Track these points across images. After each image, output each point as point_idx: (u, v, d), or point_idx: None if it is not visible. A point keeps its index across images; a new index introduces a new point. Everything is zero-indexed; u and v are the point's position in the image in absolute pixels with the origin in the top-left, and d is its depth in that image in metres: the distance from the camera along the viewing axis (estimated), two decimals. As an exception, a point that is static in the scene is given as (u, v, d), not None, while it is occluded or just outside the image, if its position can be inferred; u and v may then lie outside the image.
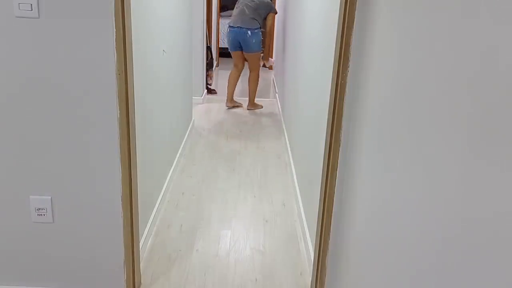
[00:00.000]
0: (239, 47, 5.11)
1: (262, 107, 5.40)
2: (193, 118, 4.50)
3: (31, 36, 1.62)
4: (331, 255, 1.83)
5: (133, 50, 1.76)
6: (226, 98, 5.39)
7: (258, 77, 5.24)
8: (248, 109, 5.29)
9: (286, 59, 4.52)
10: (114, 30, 1.61)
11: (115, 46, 1.63)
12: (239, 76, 5.31)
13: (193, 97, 4.75)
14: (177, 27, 3.25)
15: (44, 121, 1.72)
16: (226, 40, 5.47)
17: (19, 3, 1.58)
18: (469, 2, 0.82)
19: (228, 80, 5.29)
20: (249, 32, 4.98)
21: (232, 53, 5.24)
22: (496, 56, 0.72)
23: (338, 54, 1.62)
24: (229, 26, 5.12)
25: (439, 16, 0.93)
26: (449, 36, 0.88)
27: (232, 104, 5.34)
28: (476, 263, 0.75)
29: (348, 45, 1.57)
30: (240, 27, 4.99)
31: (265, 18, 5.08)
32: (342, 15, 1.57)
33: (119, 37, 1.62)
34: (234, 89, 5.35)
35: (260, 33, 5.08)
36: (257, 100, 5.66)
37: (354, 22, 1.55)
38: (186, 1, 3.71)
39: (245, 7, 5.03)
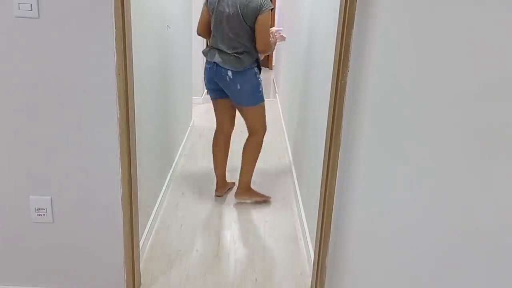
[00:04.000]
0: (223, 93, 2.78)
1: (267, 198, 3.01)
2: (193, 118, 4.49)
3: (31, 36, 1.62)
4: (331, 255, 1.83)
5: (133, 50, 1.76)
6: (215, 184, 3.08)
7: (261, 145, 2.97)
8: (238, 200, 2.97)
9: (286, 59, 4.52)
10: (114, 30, 1.61)
11: (115, 46, 1.63)
12: (229, 144, 3.04)
13: (193, 97, 4.74)
14: (177, 26, 3.25)
15: (44, 121, 1.72)
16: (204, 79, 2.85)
17: (19, 3, 1.58)
18: (469, 2, 0.82)
19: (213, 154, 3.02)
20: (230, 74, 2.65)
21: (213, 103, 2.93)
22: (496, 56, 0.72)
23: (338, 54, 1.62)
24: (205, 57, 2.81)
25: (438, 16, 0.93)
26: (449, 35, 0.88)
27: (227, 187, 3.11)
28: (476, 263, 0.75)
29: (348, 45, 1.57)
30: (217, 65, 2.66)
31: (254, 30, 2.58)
32: (342, 15, 1.57)
33: (119, 37, 1.62)
34: (225, 166, 3.06)
35: (254, 70, 2.70)
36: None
37: (354, 22, 1.55)
38: (186, 1, 3.71)
39: (226, 23, 2.58)
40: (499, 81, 0.70)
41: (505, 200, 0.66)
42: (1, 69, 1.66)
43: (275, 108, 5.46)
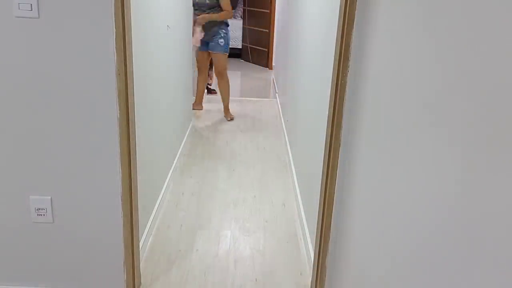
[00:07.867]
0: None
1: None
2: (193, 118, 4.50)
3: (31, 36, 1.62)
4: (331, 255, 1.83)
5: (133, 50, 1.76)
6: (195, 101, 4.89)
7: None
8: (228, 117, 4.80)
9: (286, 59, 4.52)
10: (114, 30, 1.61)
11: (115, 46, 1.63)
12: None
13: (193, 97, 4.74)
14: (177, 27, 3.25)
15: (44, 121, 1.72)
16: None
17: (19, 3, 1.58)
18: (470, 2, 0.82)
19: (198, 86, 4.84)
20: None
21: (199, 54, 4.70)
22: (496, 57, 0.72)
23: (338, 54, 1.62)
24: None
25: (439, 16, 0.94)
26: (449, 35, 0.88)
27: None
28: (476, 263, 0.75)
29: (348, 45, 1.57)
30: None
31: None
32: (342, 15, 1.57)
33: (119, 37, 1.62)
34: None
35: (225, 28, 4.47)
36: (256, 100, 5.63)
37: (354, 22, 1.55)
38: (186, 1, 3.71)
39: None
40: (502, 83, 0.70)
41: (505, 200, 0.67)
42: (1, 69, 1.66)
43: (275, 108, 5.47)
